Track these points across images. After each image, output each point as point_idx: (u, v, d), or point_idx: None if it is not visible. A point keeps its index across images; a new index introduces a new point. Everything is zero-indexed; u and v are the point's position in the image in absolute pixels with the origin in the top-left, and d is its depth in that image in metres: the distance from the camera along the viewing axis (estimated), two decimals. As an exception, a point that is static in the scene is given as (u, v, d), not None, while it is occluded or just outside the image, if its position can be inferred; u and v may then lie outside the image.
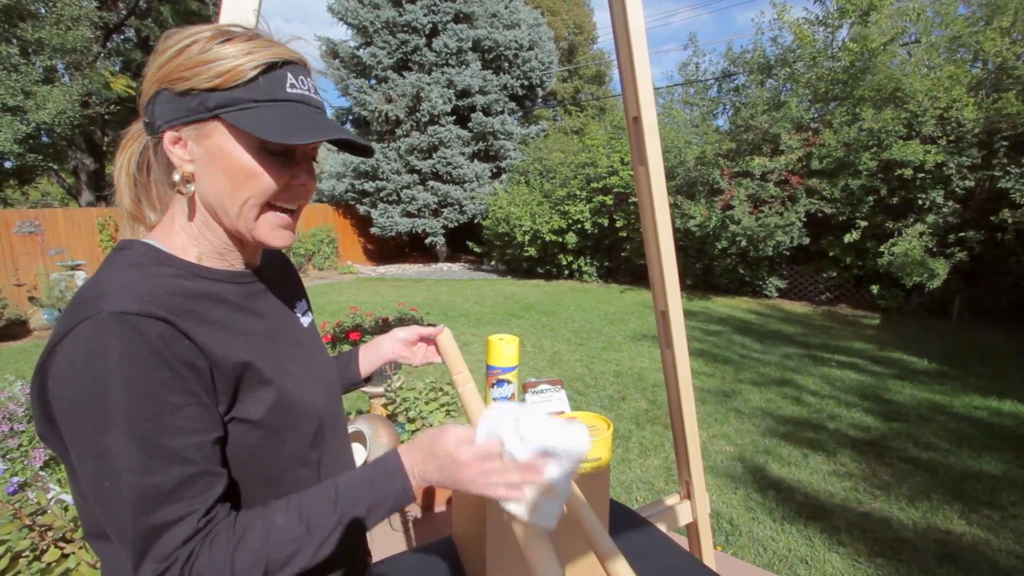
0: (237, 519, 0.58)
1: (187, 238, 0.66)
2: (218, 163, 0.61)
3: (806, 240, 8.07)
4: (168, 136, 0.61)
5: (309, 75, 0.65)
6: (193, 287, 0.63)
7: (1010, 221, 6.33)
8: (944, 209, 7.13)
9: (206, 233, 0.66)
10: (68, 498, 1.62)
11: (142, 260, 0.62)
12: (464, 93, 13.01)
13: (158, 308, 0.55)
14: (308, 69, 0.65)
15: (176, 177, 0.62)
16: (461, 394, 0.90)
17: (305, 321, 0.81)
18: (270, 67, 0.60)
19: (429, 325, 1.03)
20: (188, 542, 0.54)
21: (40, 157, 11.27)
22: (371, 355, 1.01)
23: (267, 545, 0.57)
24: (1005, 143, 6.70)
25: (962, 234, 6.94)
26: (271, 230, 0.66)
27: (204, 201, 0.64)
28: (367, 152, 0.70)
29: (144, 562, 0.53)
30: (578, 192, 10.51)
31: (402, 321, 3.49)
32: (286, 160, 0.64)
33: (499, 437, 0.62)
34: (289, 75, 0.62)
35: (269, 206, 0.65)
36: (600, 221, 10.22)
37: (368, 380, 1.02)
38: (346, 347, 3.36)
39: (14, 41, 10.52)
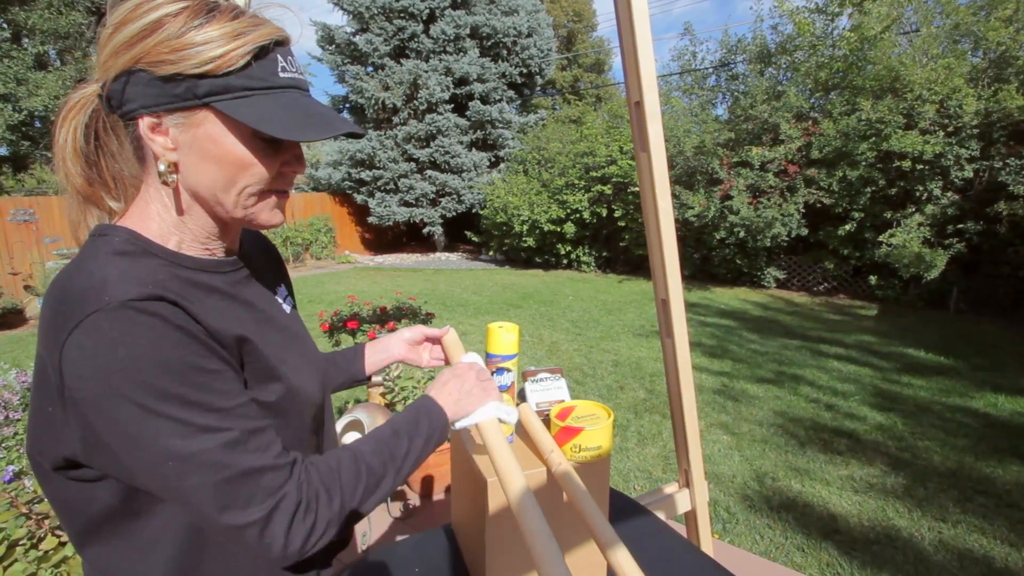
0: (327, 453, 0.65)
1: (166, 226, 0.62)
2: (209, 153, 0.58)
3: (804, 231, 8.06)
4: (147, 122, 0.57)
5: (291, 51, 0.63)
6: (183, 275, 0.61)
7: (1005, 213, 6.32)
8: (942, 200, 7.12)
9: (188, 222, 0.63)
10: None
11: (127, 248, 0.58)
12: (462, 81, 12.87)
13: (164, 291, 0.54)
14: (290, 43, 0.63)
15: (162, 167, 0.58)
16: None
17: (287, 307, 0.79)
18: (262, 50, 0.57)
19: (425, 316, 1.04)
20: (292, 472, 0.58)
21: (33, 145, 11.16)
22: (378, 354, 1.01)
23: (361, 467, 0.64)
24: (1004, 134, 6.68)
25: (960, 225, 6.93)
26: (269, 213, 0.66)
27: (192, 191, 0.61)
28: (359, 135, 0.69)
29: (249, 508, 0.54)
30: (576, 181, 10.45)
31: (400, 310, 3.48)
32: (277, 147, 0.62)
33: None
34: (279, 58, 0.59)
35: (264, 191, 0.64)
36: (598, 211, 10.18)
37: (370, 379, 1.02)
38: (344, 336, 3.35)
39: (5, 26, 10.37)
